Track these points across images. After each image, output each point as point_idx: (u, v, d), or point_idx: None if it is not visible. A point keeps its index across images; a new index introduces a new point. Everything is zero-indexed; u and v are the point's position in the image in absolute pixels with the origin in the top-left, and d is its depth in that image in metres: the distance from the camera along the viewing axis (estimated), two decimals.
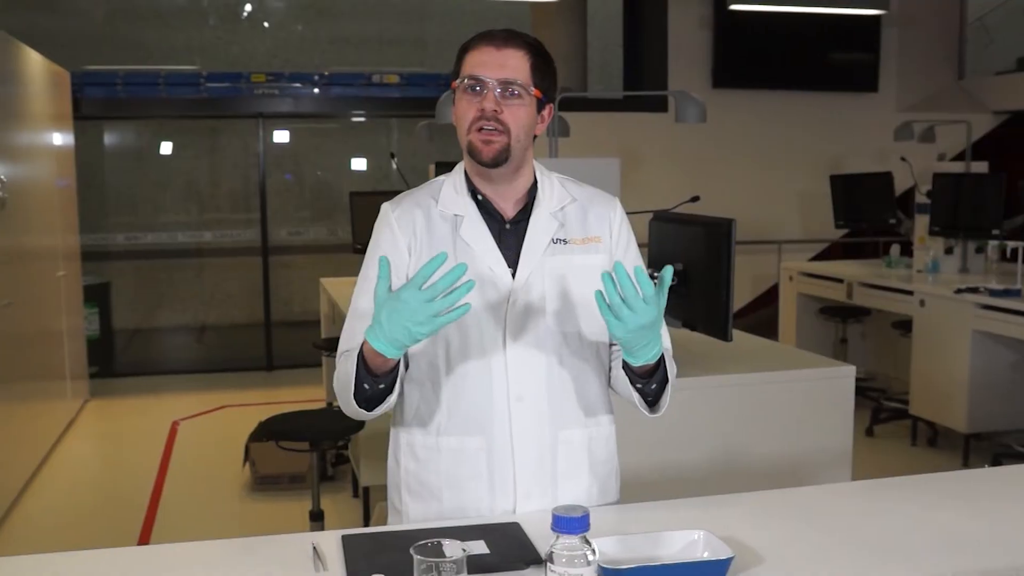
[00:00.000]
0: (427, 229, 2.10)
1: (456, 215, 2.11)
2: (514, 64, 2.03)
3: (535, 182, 2.15)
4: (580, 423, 2.15)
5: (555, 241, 2.11)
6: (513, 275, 2.08)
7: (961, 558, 1.84)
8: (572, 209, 2.15)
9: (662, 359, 2.02)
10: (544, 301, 2.09)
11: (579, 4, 9.15)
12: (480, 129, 2.02)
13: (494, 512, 2.10)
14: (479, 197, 2.12)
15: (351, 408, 2.02)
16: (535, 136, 2.12)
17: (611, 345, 2.18)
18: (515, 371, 2.08)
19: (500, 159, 2.03)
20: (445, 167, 2.25)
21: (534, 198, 2.13)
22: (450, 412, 2.10)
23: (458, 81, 2.06)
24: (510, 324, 2.07)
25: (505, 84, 2.01)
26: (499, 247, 2.09)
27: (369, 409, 2.00)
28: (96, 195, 9.71)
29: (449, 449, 2.10)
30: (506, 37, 2.06)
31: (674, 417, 3.33)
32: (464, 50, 2.08)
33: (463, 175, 2.15)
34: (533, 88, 2.04)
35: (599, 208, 2.18)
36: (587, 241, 2.13)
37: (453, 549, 1.62)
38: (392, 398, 2.00)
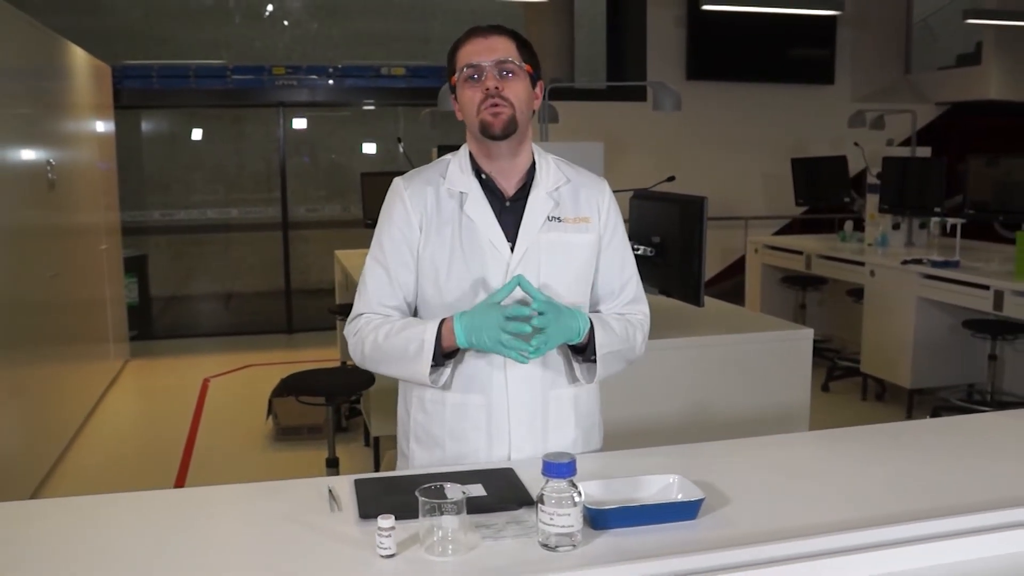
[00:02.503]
0: (436, 206, 2.09)
1: (462, 192, 2.09)
2: (503, 47, 2.03)
3: (533, 163, 2.14)
4: (568, 382, 2.15)
5: (550, 219, 2.10)
6: (512, 249, 2.07)
7: (904, 497, 1.84)
8: (566, 190, 2.13)
9: (591, 339, 2.05)
10: (538, 273, 2.07)
11: (567, 3, 9.08)
12: (488, 108, 2.01)
13: (491, 459, 2.10)
14: (482, 176, 2.11)
15: (385, 368, 2.09)
16: (533, 112, 2.11)
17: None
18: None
19: (510, 129, 2.03)
20: (447, 150, 2.23)
21: (532, 178, 2.12)
22: (455, 372, 2.09)
23: (457, 74, 2.05)
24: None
25: (500, 64, 2.01)
26: (499, 223, 2.08)
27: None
28: (134, 177, 9.64)
29: (453, 404, 2.10)
30: (490, 28, 2.06)
31: (652, 374, 3.35)
32: (455, 48, 2.08)
33: (468, 155, 2.13)
34: (524, 64, 2.04)
35: (589, 190, 2.16)
36: (578, 220, 2.12)
37: (454, 491, 1.62)
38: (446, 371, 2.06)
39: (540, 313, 1.93)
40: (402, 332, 2.02)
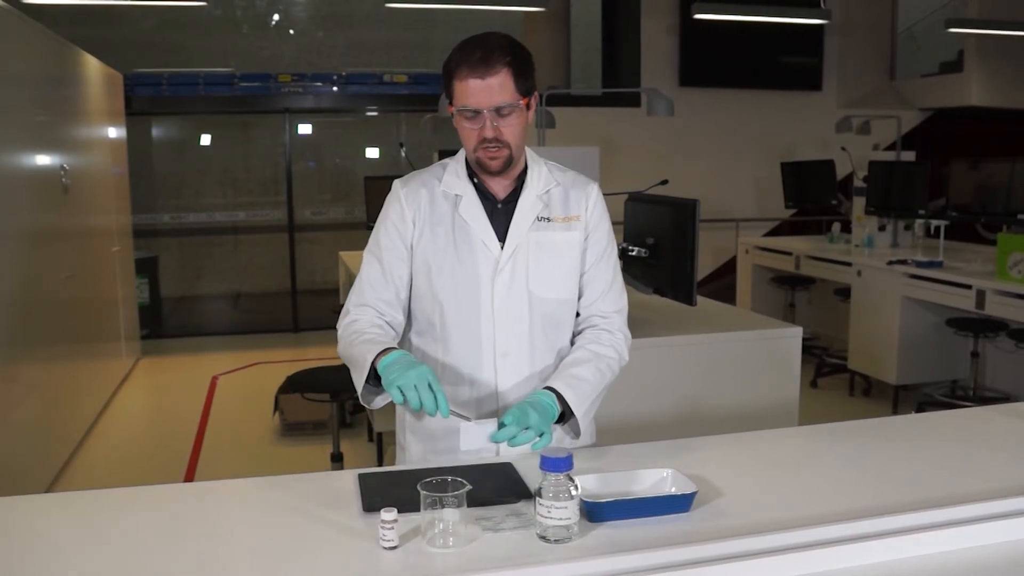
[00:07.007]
0: (430, 206, 2.10)
1: (456, 195, 2.10)
2: (500, 87, 1.95)
3: (525, 168, 2.13)
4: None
5: (539, 219, 2.10)
6: (502, 247, 2.08)
7: (891, 489, 1.84)
8: (556, 192, 2.14)
9: (563, 419, 2.04)
10: (527, 271, 2.08)
11: (563, 13, 9.10)
12: (484, 151, 2.00)
13: (480, 450, 2.10)
14: (475, 180, 2.11)
15: (345, 357, 2.11)
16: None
17: (576, 315, 2.19)
18: (501, 331, 2.08)
19: (505, 166, 2.03)
20: (447, 155, 2.23)
21: (523, 182, 2.12)
22: (445, 365, 2.11)
23: (454, 109, 2.00)
24: (497, 290, 2.07)
25: (497, 109, 1.96)
26: (491, 223, 2.09)
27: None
28: (145, 181, 9.65)
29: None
30: (486, 62, 1.95)
31: (646, 371, 3.35)
32: (450, 74, 2.00)
33: (464, 162, 2.13)
34: (521, 99, 1.99)
35: (578, 191, 2.16)
36: (567, 220, 2.12)
37: (455, 485, 1.62)
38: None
39: (504, 424, 1.90)
40: (358, 344, 2.03)
